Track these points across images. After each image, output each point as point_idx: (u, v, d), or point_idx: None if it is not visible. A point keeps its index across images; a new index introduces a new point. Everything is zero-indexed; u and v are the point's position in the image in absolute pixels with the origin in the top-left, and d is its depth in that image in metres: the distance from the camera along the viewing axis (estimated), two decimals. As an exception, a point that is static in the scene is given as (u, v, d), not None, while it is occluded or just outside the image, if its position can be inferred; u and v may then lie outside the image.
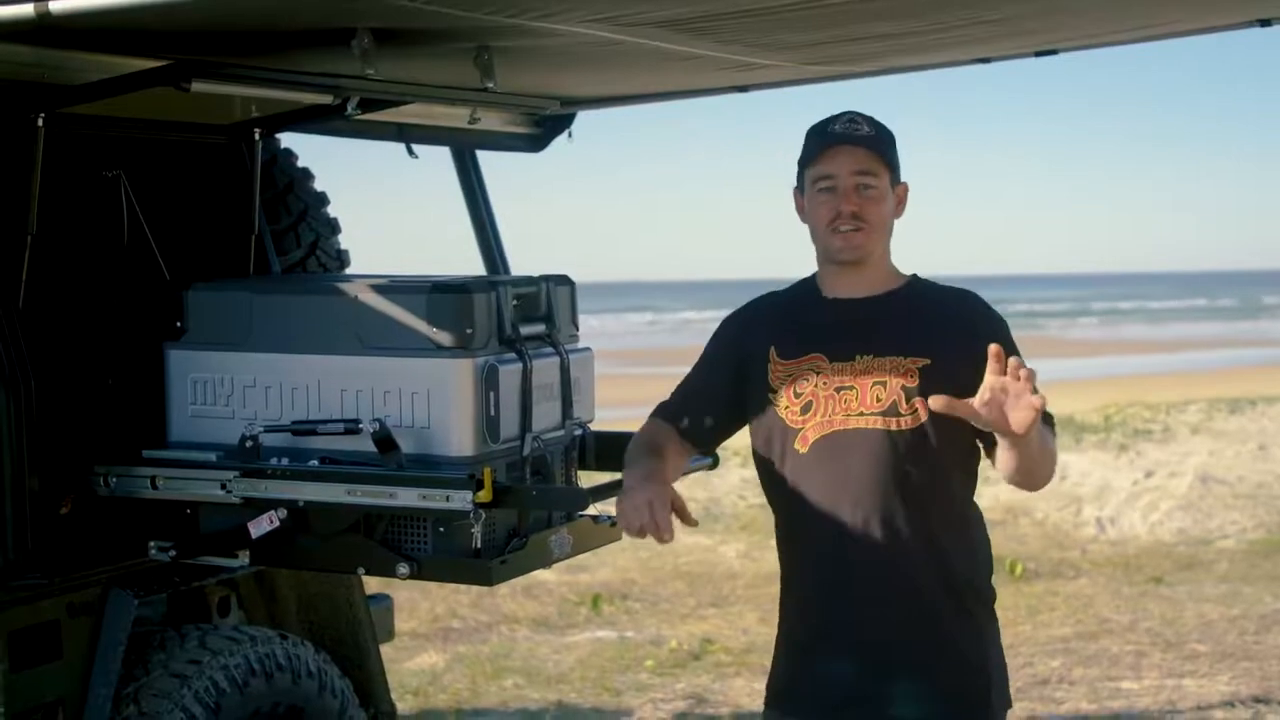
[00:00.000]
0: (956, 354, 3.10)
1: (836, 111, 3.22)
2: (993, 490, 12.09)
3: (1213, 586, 9.62)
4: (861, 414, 3.11)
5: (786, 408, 3.18)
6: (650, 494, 3.09)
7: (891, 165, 3.19)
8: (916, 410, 3.09)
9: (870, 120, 3.19)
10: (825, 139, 3.17)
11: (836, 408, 3.13)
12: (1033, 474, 3.13)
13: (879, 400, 3.11)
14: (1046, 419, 3.10)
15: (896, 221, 3.25)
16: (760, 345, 3.25)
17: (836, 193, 3.15)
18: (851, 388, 3.13)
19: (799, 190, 3.25)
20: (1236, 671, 7.60)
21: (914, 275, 3.30)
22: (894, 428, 3.10)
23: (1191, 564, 10.39)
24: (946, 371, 3.09)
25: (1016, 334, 3.25)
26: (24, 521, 3.67)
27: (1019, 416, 2.91)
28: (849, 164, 3.15)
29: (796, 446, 3.16)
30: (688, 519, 3.15)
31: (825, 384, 3.15)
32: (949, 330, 3.15)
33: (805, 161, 3.22)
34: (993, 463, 3.16)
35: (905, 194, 3.26)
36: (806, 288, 3.30)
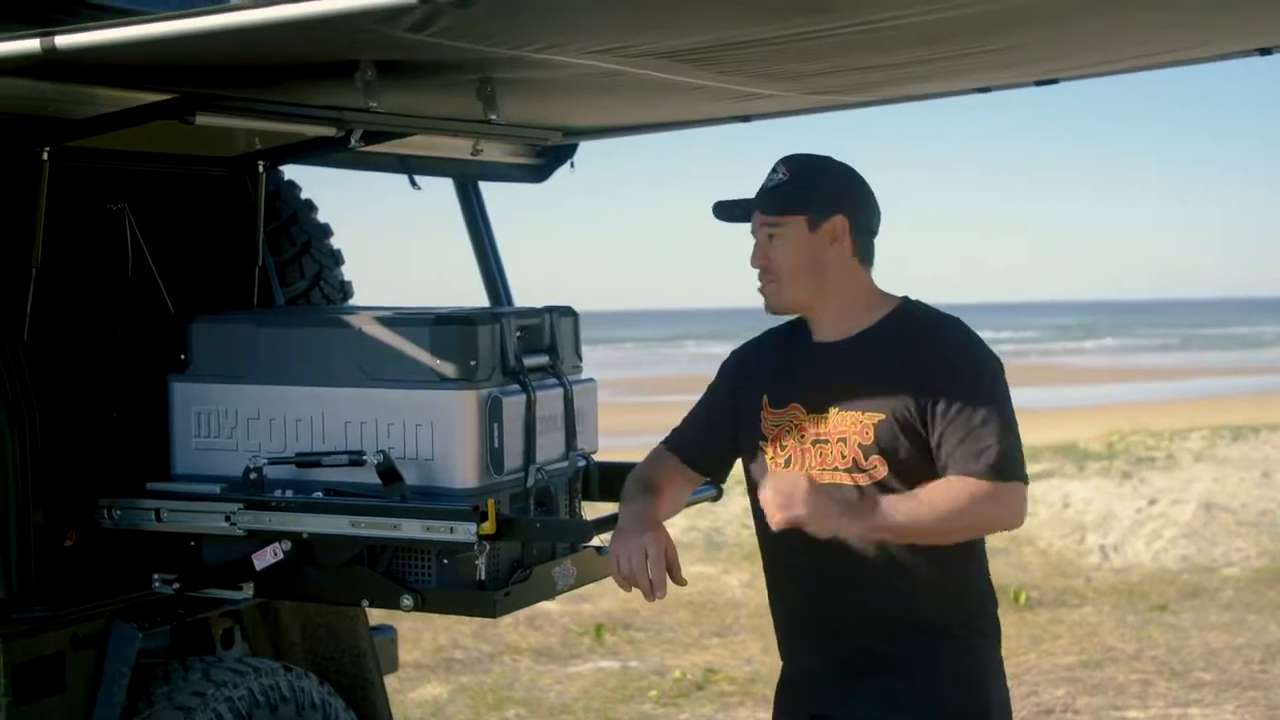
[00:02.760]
0: (912, 404, 3.09)
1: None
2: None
3: (1217, 615, 9.60)
4: (835, 469, 3.13)
5: (772, 458, 3.23)
6: (646, 541, 3.11)
7: (808, 206, 3.17)
8: (876, 466, 3.11)
9: (792, 163, 3.22)
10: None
11: (812, 462, 3.16)
12: (928, 538, 3.10)
13: (844, 456, 3.13)
14: (993, 467, 3.05)
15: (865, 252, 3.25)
16: (755, 387, 3.29)
17: (755, 247, 3.24)
18: (825, 441, 3.16)
19: None
20: (1242, 700, 7.58)
21: (904, 300, 3.28)
22: (862, 482, 3.11)
23: (1196, 592, 10.36)
24: (897, 426, 3.09)
25: (1020, 361, 3.27)
26: (28, 554, 3.67)
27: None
28: (759, 218, 3.23)
29: None
30: (678, 576, 3.16)
31: (803, 437, 3.18)
32: (909, 377, 3.12)
33: None
34: None
35: (842, 226, 3.19)
36: (802, 325, 3.31)
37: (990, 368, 3.16)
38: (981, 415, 3.07)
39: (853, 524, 3.02)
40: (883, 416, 3.10)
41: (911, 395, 3.10)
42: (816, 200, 3.19)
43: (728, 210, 3.32)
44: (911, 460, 3.09)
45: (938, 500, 3.03)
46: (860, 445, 3.11)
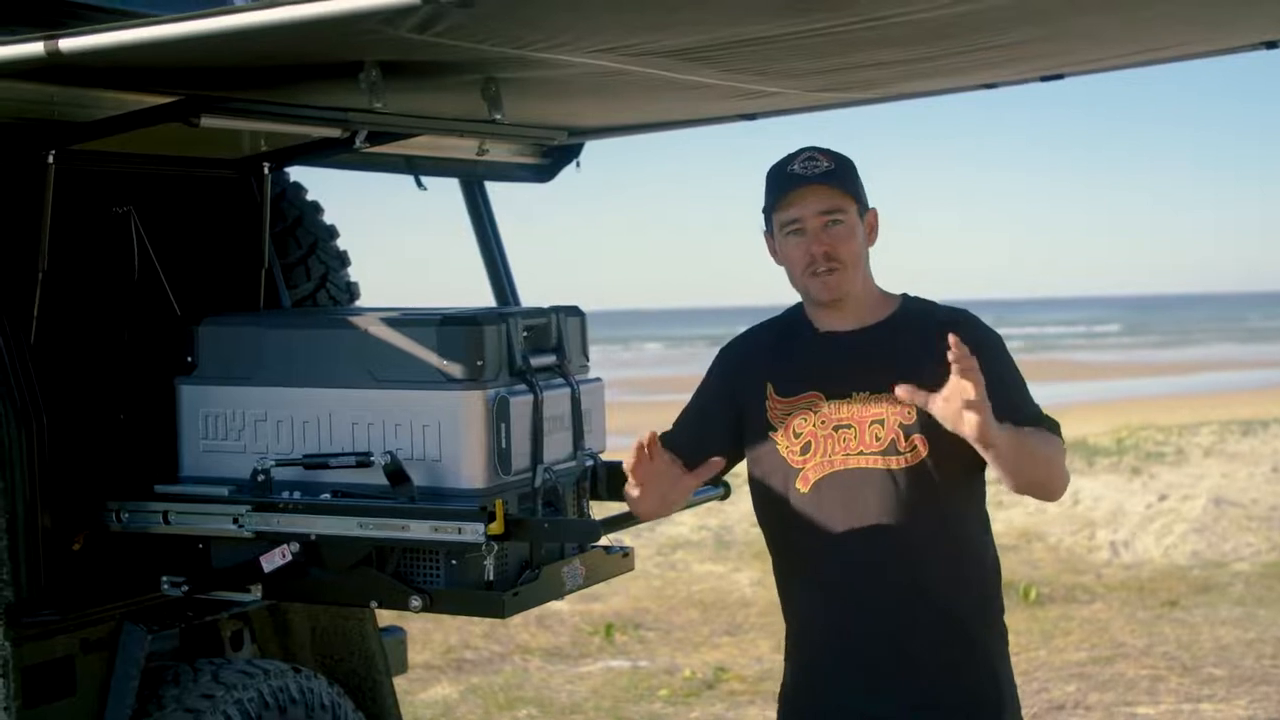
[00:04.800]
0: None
1: (796, 149, 3.22)
2: (1006, 514, 12.06)
3: (1228, 610, 9.58)
4: (861, 453, 3.12)
5: (787, 448, 3.20)
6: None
7: (856, 196, 3.19)
8: (916, 447, 3.10)
9: (829, 154, 3.18)
10: (786, 181, 3.17)
11: (836, 447, 3.14)
12: (1028, 480, 3.11)
13: (878, 439, 3.12)
14: (1046, 422, 3.14)
15: (875, 247, 3.27)
16: (757, 380, 3.26)
17: (806, 234, 3.16)
18: (850, 426, 3.14)
19: (768, 234, 3.26)
20: (1255, 695, 7.57)
21: (904, 295, 3.30)
22: (894, 466, 3.11)
23: (1206, 587, 10.35)
24: None
25: (1029, 357, 3.28)
26: (37, 558, 3.67)
27: (968, 417, 2.89)
28: (814, 204, 3.15)
29: (798, 486, 3.18)
30: (713, 469, 3.16)
31: (823, 423, 3.16)
32: (942, 359, 3.13)
33: (770, 206, 3.22)
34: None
35: (876, 220, 3.26)
36: (798, 318, 3.30)
37: (1004, 344, 3.23)
38: (1019, 386, 3.18)
39: (1007, 435, 2.96)
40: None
41: (948, 371, 3.08)
42: (861, 191, 3.22)
43: (800, 178, 3.16)
44: (951, 442, 3.05)
45: (1036, 435, 3.07)
46: (901, 425, 3.10)
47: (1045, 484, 3.17)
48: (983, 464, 3.17)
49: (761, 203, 3.26)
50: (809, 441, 3.18)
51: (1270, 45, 3.79)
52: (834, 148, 3.26)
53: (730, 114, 4.73)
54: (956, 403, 2.91)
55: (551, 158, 5.21)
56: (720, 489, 4.27)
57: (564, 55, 3.39)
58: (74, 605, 3.77)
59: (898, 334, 3.20)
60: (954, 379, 2.90)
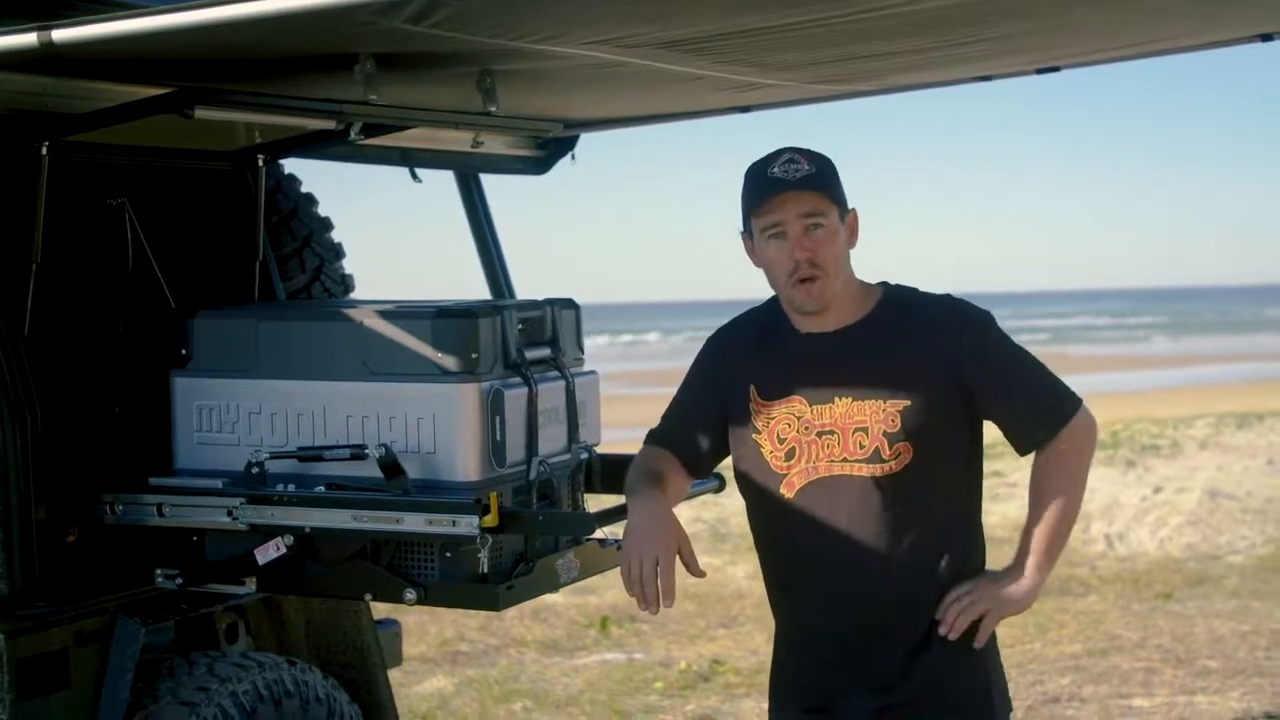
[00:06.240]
0: (938, 382, 3.08)
1: (775, 150, 3.15)
2: (1000, 507, 12.06)
3: (1223, 602, 9.59)
4: (845, 460, 3.09)
5: (771, 453, 3.17)
6: (658, 549, 3.07)
7: (837, 199, 3.12)
8: (901, 454, 3.07)
9: (809, 155, 3.11)
10: (767, 186, 3.09)
11: (820, 454, 3.11)
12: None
13: (862, 447, 3.08)
14: (1057, 407, 3.17)
15: (876, 245, 3.26)
16: (740, 380, 3.23)
17: (788, 239, 3.09)
18: (833, 433, 3.11)
19: (746, 234, 3.20)
20: (1248, 687, 7.57)
21: (884, 285, 3.24)
22: (879, 474, 3.08)
23: (1201, 580, 10.36)
24: (927, 408, 3.07)
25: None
26: (31, 550, 3.67)
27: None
28: (795, 208, 3.08)
29: (783, 491, 3.16)
30: (694, 569, 3.15)
31: (806, 429, 3.13)
32: (929, 356, 3.10)
33: (749, 209, 3.14)
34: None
35: (856, 221, 3.19)
36: (779, 315, 3.23)
37: (992, 320, 3.19)
38: (1021, 366, 3.16)
39: (1039, 577, 3.25)
40: (909, 402, 3.07)
41: (941, 374, 3.08)
42: (842, 193, 3.16)
43: (781, 182, 3.09)
44: (939, 445, 3.06)
45: (1048, 522, 3.22)
46: (885, 433, 3.07)
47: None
48: (974, 465, 3.18)
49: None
50: (793, 447, 3.15)
51: (1265, 38, 3.79)
52: (815, 148, 3.20)
53: (726, 106, 4.73)
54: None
55: (547, 150, 5.20)
56: (715, 481, 4.26)
57: (559, 47, 3.39)
58: (68, 598, 3.77)
59: (879, 332, 3.15)
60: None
